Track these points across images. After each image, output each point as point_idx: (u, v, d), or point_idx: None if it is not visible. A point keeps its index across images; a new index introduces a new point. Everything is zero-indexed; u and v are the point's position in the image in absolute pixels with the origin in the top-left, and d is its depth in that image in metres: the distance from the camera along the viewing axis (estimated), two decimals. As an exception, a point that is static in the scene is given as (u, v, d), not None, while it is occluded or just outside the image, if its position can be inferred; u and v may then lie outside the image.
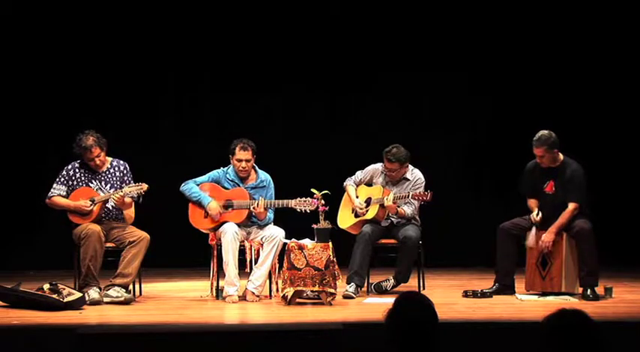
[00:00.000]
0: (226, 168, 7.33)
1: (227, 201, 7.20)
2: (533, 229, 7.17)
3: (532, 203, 7.31)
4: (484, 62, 9.42)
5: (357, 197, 7.51)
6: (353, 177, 7.61)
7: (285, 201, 7.11)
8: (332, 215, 7.30)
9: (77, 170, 7.18)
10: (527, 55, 9.38)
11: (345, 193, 7.61)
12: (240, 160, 7.20)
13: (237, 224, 7.12)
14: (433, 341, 3.25)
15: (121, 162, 7.28)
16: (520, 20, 9.34)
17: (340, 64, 9.45)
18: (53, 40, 9.18)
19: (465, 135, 9.54)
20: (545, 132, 7.12)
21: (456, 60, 9.43)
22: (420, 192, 7.24)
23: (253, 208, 7.10)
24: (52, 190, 7.16)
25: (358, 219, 7.44)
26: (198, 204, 7.21)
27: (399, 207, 7.30)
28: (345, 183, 7.61)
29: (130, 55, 9.30)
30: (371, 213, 7.37)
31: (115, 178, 7.19)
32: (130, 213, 7.32)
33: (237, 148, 7.20)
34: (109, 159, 7.24)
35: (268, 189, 7.31)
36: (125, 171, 7.24)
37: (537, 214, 7.18)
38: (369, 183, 7.56)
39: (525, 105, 9.30)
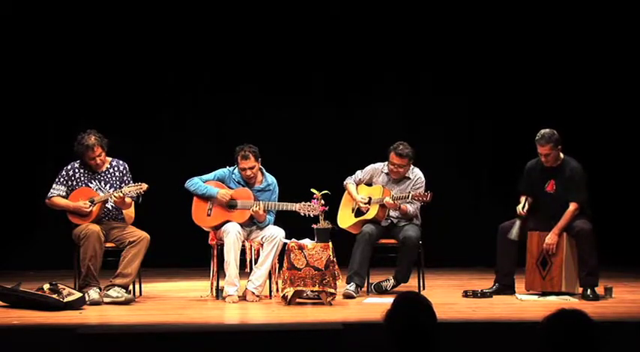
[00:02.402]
0: (232, 168, 7.33)
1: (231, 200, 7.20)
2: (517, 222, 7.16)
3: (522, 197, 7.30)
4: (484, 62, 9.42)
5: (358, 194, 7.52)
6: (353, 176, 7.62)
7: (289, 204, 7.12)
8: (332, 215, 7.30)
9: (77, 170, 7.17)
10: (527, 56, 9.38)
11: (346, 192, 7.61)
12: (244, 169, 7.20)
13: (239, 223, 7.13)
14: (433, 341, 3.25)
15: (121, 162, 7.28)
16: (521, 20, 9.34)
17: (341, 65, 9.45)
18: (53, 40, 9.19)
19: (465, 136, 9.53)
20: (547, 130, 7.12)
21: (456, 60, 9.43)
22: (420, 193, 7.24)
23: (253, 211, 7.10)
24: (51, 190, 7.15)
25: (358, 219, 7.44)
26: (207, 197, 7.20)
27: (400, 204, 7.30)
28: (345, 182, 7.62)
29: (130, 54, 9.30)
30: (371, 213, 7.37)
31: (114, 178, 7.19)
32: (130, 213, 7.32)
33: (239, 158, 7.19)
34: (109, 159, 7.24)
35: (273, 193, 7.31)
36: (125, 172, 7.24)
37: (523, 207, 7.17)
38: (369, 183, 7.57)
39: (526, 105, 9.29)
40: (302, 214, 7.07)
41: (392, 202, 7.23)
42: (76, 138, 7.12)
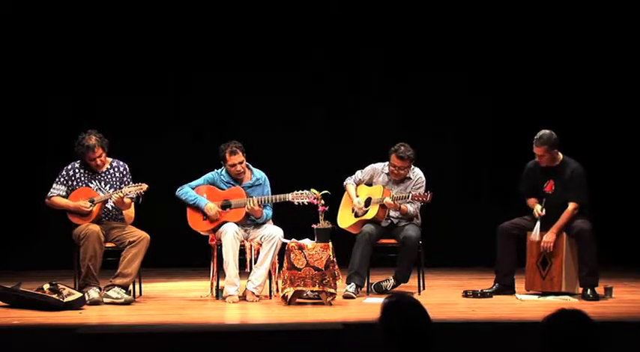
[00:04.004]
0: (220, 169, 7.33)
1: (225, 201, 7.21)
2: (538, 223, 7.15)
3: (532, 201, 7.31)
4: (484, 62, 9.42)
5: (357, 196, 7.51)
6: (353, 176, 7.61)
7: (283, 195, 7.13)
8: (332, 215, 7.29)
9: (77, 170, 7.17)
10: (527, 55, 9.38)
11: (346, 192, 7.61)
12: (233, 165, 7.20)
13: (236, 223, 7.13)
14: (430, 339, 3.25)
15: (121, 163, 7.28)
16: (520, 20, 9.34)
17: (341, 65, 9.45)
18: (53, 40, 9.18)
19: (465, 135, 9.53)
20: (547, 131, 7.12)
21: (456, 60, 9.43)
22: (420, 193, 7.24)
23: (248, 208, 7.10)
24: (51, 190, 7.15)
25: (358, 219, 7.44)
26: (196, 207, 7.22)
27: (400, 204, 7.29)
28: (345, 182, 7.61)
29: (130, 55, 9.29)
30: (371, 213, 7.37)
31: (114, 179, 7.18)
32: (130, 213, 7.31)
33: (227, 154, 7.19)
34: (109, 159, 7.24)
35: (264, 187, 7.31)
36: (125, 172, 7.24)
37: (542, 209, 7.17)
38: (370, 183, 7.56)
39: (525, 105, 9.29)
40: (296, 203, 7.07)
41: (392, 203, 7.23)
42: (76, 138, 7.12)
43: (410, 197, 7.23)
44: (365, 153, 7.88)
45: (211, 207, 7.17)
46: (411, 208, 7.34)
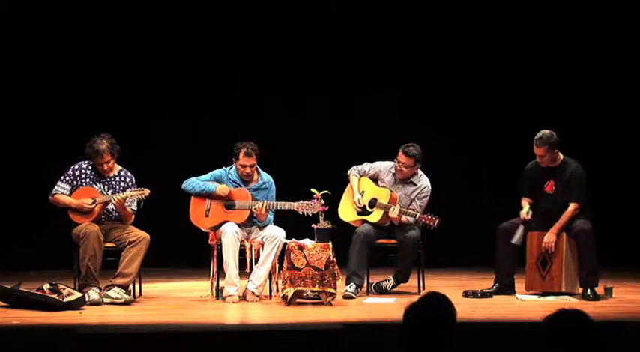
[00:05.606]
0: (228, 168, 7.33)
1: (229, 200, 7.20)
2: (521, 227, 7.15)
3: (524, 201, 7.30)
4: (484, 62, 9.42)
5: (359, 192, 7.48)
6: (359, 167, 7.57)
7: (288, 204, 7.10)
8: (332, 215, 7.29)
9: (84, 170, 7.16)
10: (527, 56, 9.38)
11: (349, 185, 7.58)
12: (244, 166, 7.19)
13: (237, 224, 7.13)
14: (446, 345, 3.25)
15: (129, 173, 7.25)
16: (521, 20, 9.34)
17: (340, 65, 9.45)
18: (54, 41, 9.17)
19: (465, 135, 9.53)
20: (547, 131, 7.12)
21: (456, 60, 9.43)
22: (428, 217, 7.17)
23: (255, 209, 7.10)
24: (55, 188, 7.15)
25: (360, 218, 7.42)
26: (206, 194, 7.19)
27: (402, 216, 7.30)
28: (349, 172, 7.58)
29: (130, 55, 9.28)
30: (375, 217, 7.35)
31: (119, 187, 7.15)
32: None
33: (241, 154, 7.18)
34: (118, 167, 7.22)
35: (270, 191, 7.30)
36: (130, 184, 7.20)
37: (527, 212, 7.16)
38: (374, 179, 7.54)
39: (525, 105, 9.29)
40: (300, 213, 7.06)
41: (397, 217, 7.22)
42: (90, 138, 7.11)
43: (417, 217, 7.20)
44: (365, 153, 7.88)
45: (223, 187, 7.16)
46: (410, 220, 7.32)
